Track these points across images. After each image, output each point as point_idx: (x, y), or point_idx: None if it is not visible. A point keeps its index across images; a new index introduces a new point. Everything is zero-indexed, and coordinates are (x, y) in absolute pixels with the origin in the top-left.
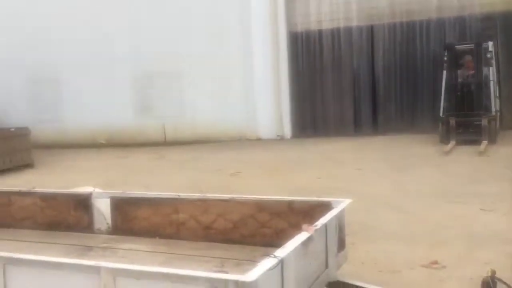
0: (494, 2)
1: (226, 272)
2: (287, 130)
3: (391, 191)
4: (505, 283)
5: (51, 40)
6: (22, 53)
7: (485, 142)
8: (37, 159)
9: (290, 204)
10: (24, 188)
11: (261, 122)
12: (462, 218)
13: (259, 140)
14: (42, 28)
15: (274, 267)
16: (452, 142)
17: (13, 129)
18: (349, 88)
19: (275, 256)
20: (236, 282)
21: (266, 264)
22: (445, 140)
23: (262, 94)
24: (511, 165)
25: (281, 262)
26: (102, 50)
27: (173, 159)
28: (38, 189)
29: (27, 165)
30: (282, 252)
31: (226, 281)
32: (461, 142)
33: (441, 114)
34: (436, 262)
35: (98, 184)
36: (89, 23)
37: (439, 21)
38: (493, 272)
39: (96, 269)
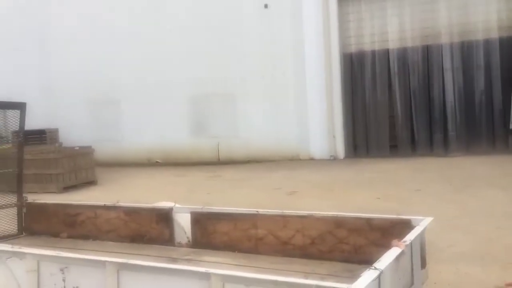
0: None
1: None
2: (340, 151)
3: (454, 211)
4: None
5: (113, 64)
6: (85, 75)
7: None
8: (99, 177)
9: (369, 221)
10: (109, 202)
11: (314, 142)
12: None
13: (312, 160)
14: (104, 52)
15: (376, 278)
16: None
17: (77, 148)
18: (402, 108)
19: (375, 268)
20: None
21: (369, 275)
22: None
23: (315, 114)
24: None
25: (380, 274)
26: (160, 72)
27: (229, 178)
28: (122, 204)
29: (91, 182)
30: (381, 264)
31: None
32: None
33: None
34: (511, 284)
35: (160, 201)
36: (148, 46)
37: (495, 40)
38: None
39: (206, 275)
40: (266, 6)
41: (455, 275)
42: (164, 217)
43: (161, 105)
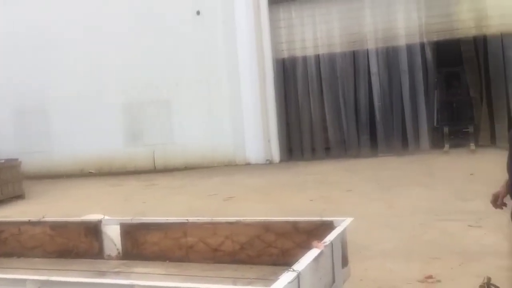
0: (469, 27)
1: None
2: (276, 155)
3: (381, 210)
4: None
5: (39, 70)
6: (9, 83)
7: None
8: (28, 190)
9: (295, 224)
10: (33, 218)
11: (250, 147)
12: (452, 234)
13: (248, 165)
14: (33, 60)
15: (294, 279)
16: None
17: (3, 161)
18: (334, 112)
19: (293, 270)
20: None
21: (286, 277)
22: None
23: (250, 120)
24: None
25: (299, 275)
26: (91, 80)
27: (165, 186)
28: (47, 218)
29: (18, 196)
30: (299, 266)
31: None
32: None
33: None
34: (431, 277)
35: (94, 212)
36: (79, 53)
37: (416, 45)
38: (489, 279)
39: (130, 287)
40: (198, 13)
41: (380, 271)
42: (93, 230)
43: (94, 114)
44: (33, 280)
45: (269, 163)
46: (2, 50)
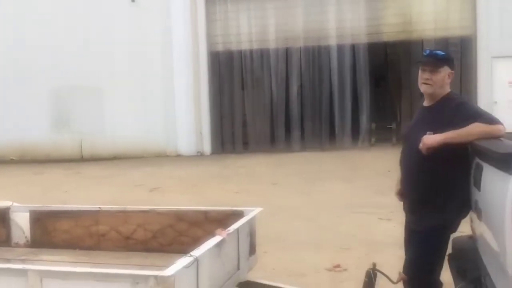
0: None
1: None
2: (207, 147)
3: (303, 203)
4: (383, 273)
5: None
6: None
7: None
8: None
9: (206, 214)
10: None
11: (181, 138)
12: (364, 226)
13: (179, 156)
14: None
15: (190, 264)
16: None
17: None
18: (266, 107)
19: (191, 255)
20: (155, 277)
21: (182, 261)
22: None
23: (182, 111)
24: None
25: (197, 260)
26: (18, 61)
27: (90, 176)
28: None
29: None
30: (197, 252)
31: (146, 277)
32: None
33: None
34: (338, 266)
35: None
36: (5, 33)
37: (345, 46)
38: (374, 265)
39: (23, 272)
40: (133, 0)
41: (292, 261)
42: (0, 216)
43: (18, 97)
44: None
45: (200, 155)
46: None
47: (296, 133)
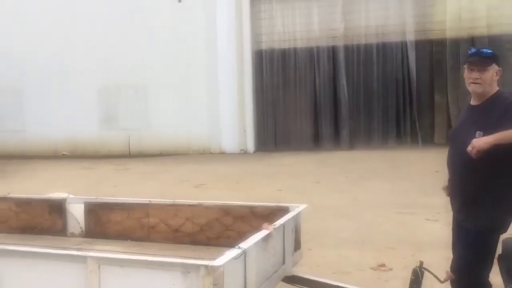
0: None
1: None
2: (250, 145)
3: (346, 201)
4: (430, 272)
5: (15, 49)
6: None
7: None
8: None
9: (252, 209)
10: None
11: (225, 136)
12: (409, 226)
13: (222, 154)
14: (5, 36)
15: (239, 256)
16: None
17: None
18: (310, 105)
19: (239, 247)
20: (206, 267)
21: (231, 253)
22: None
23: (226, 109)
24: None
25: (244, 252)
26: (68, 60)
27: (137, 171)
28: (13, 195)
29: None
30: (245, 244)
31: (197, 266)
32: None
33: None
34: (383, 265)
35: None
36: (55, 33)
37: (390, 44)
38: (421, 263)
39: (83, 258)
40: (179, 0)
41: (337, 259)
42: (57, 207)
43: (69, 95)
44: None
45: (244, 153)
46: None
47: (340, 131)
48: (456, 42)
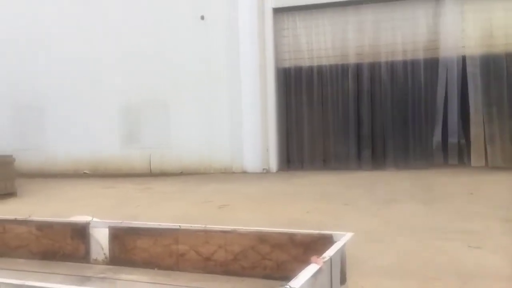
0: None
1: None
2: (273, 164)
3: (378, 225)
4: None
5: (38, 67)
6: (7, 79)
7: None
8: (20, 188)
9: (291, 237)
10: (19, 217)
11: (247, 155)
12: (451, 254)
13: (244, 173)
14: (28, 54)
15: None
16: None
17: None
18: (335, 124)
19: (290, 287)
20: None
21: None
22: None
23: (249, 127)
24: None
25: None
26: (90, 79)
27: (159, 191)
28: (34, 218)
29: (10, 194)
30: (297, 283)
31: None
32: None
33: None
34: None
35: (85, 214)
36: (77, 51)
37: (419, 61)
38: None
39: None
40: (202, 17)
41: None
42: (80, 232)
43: (91, 113)
44: (7, 284)
45: (266, 172)
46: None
47: (366, 151)
48: (488, 58)
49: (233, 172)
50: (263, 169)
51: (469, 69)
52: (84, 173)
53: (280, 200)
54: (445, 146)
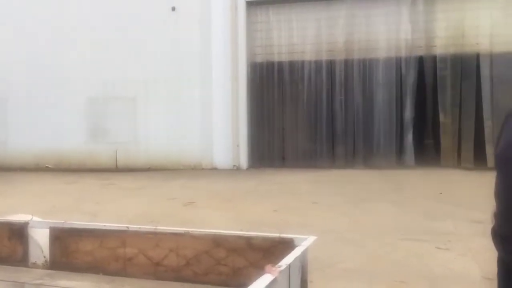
0: (446, 44)
1: None
2: (244, 161)
3: (348, 225)
4: None
5: (2, 57)
6: None
7: None
8: None
9: (249, 240)
10: None
11: (218, 151)
12: (420, 256)
13: (214, 169)
14: None
15: None
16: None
17: None
18: (306, 121)
19: None
20: None
21: None
22: None
23: (220, 123)
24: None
25: None
26: (55, 70)
27: (124, 187)
28: None
29: None
30: None
31: None
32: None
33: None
34: None
35: (42, 210)
36: (42, 41)
37: (391, 60)
38: None
39: None
40: (173, 8)
41: None
42: (18, 232)
43: (55, 106)
44: None
45: (237, 169)
46: None
47: (337, 149)
48: (459, 58)
49: (203, 169)
50: (234, 165)
51: (439, 68)
52: (46, 167)
53: (248, 198)
54: (417, 146)
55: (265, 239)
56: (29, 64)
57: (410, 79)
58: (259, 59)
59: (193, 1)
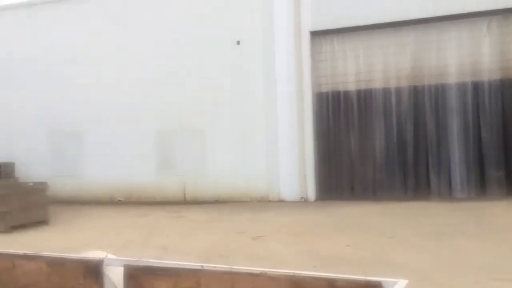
0: None
1: None
2: (311, 192)
3: (430, 263)
4: None
5: (74, 93)
6: (44, 105)
7: None
8: (53, 215)
9: (331, 283)
10: (29, 251)
11: (284, 183)
12: None
13: (281, 201)
14: (65, 80)
15: None
16: None
17: (31, 184)
18: (376, 151)
19: None
20: None
21: None
22: None
23: (286, 154)
24: None
25: None
26: (125, 105)
27: (193, 219)
28: (45, 253)
29: (42, 222)
30: None
31: None
32: None
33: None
34: None
35: (115, 244)
36: (113, 76)
37: (465, 84)
38: None
39: None
40: (238, 42)
41: None
42: (93, 270)
43: (126, 139)
44: None
45: (304, 201)
46: (38, 70)
47: (409, 179)
48: None
49: (270, 201)
50: (301, 197)
51: None
52: (119, 200)
53: (317, 231)
54: (498, 175)
55: (349, 281)
56: (100, 100)
57: (488, 104)
58: (324, 89)
59: (257, 34)
